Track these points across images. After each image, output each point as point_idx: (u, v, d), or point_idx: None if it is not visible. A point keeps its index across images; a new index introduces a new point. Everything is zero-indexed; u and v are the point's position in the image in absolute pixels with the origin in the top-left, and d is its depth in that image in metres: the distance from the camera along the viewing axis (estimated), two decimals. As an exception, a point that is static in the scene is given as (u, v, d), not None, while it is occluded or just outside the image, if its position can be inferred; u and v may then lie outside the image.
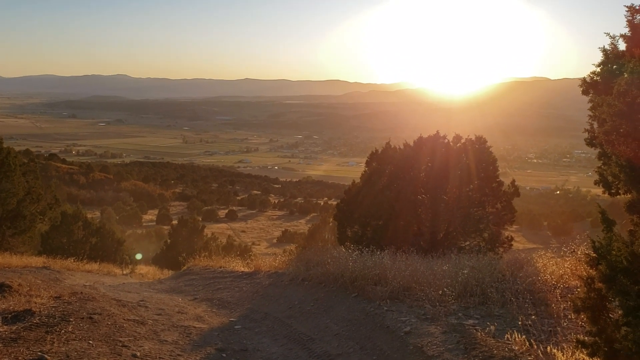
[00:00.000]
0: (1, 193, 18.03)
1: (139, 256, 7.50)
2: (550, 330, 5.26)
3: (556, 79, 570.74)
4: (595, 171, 4.73)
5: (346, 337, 6.28)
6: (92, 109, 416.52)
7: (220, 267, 13.25)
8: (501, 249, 16.00)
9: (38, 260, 14.39)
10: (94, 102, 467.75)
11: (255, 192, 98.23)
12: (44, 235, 22.62)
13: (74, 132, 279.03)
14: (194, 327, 7.14)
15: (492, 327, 5.23)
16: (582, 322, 4.71)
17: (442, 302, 6.50)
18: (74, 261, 15.96)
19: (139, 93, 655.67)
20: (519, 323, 5.29)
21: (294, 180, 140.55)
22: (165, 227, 49.47)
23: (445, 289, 6.73)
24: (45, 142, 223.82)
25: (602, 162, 4.68)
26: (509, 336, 4.88)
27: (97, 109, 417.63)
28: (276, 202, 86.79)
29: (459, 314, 6.10)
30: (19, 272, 11.27)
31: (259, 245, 54.20)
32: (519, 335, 4.77)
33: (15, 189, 18.41)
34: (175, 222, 36.57)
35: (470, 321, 5.76)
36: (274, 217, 75.78)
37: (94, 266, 16.75)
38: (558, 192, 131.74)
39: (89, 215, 29.42)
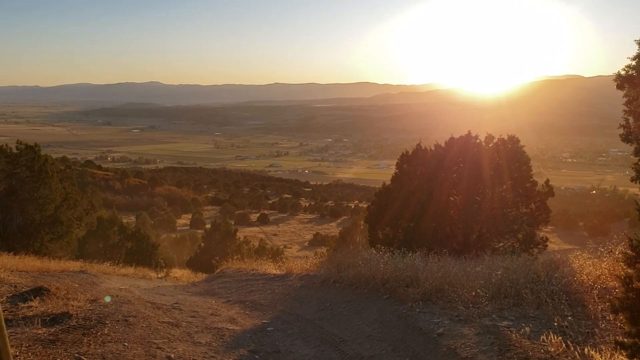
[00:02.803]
0: (39, 199, 18.50)
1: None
2: (588, 332, 5.14)
3: (590, 76, 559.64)
4: (632, 168, 4.60)
5: (378, 339, 6.24)
6: (126, 116, 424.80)
7: (253, 270, 13.35)
8: (536, 250, 15.73)
9: (75, 265, 14.71)
10: (128, 109, 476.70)
11: (286, 195, 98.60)
12: (81, 240, 23.14)
13: (108, 139, 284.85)
14: (227, 329, 7.20)
15: (527, 329, 5.13)
16: (621, 323, 4.58)
17: (475, 304, 6.41)
18: (110, 265, 16.30)
19: (171, 99, 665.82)
20: (555, 324, 5.17)
21: (325, 183, 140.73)
22: (199, 231, 50.05)
23: (478, 290, 6.63)
24: (81, 149, 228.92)
25: (638, 158, 4.55)
26: (544, 338, 4.77)
27: (131, 116, 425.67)
28: (307, 205, 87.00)
29: (493, 316, 6.00)
30: (57, 276, 11.54)
31: (290, 248, 54.41)
32: (555, 337, 4.66)
33: (52, 195, 18.87)
34: (208, 226, 37.00)
35: (505, 322, 5.66)
36: (305, 220, 75.96)
37: (130, 270, 17.05)
38: (594, 191, 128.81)
39: (124, 220, 30.02)
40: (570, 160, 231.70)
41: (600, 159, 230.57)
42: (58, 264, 14.33)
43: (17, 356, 4.92)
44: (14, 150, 18.97)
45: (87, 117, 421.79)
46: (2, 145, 19.38)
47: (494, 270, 7.37)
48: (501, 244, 16.05)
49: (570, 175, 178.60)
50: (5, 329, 0.78)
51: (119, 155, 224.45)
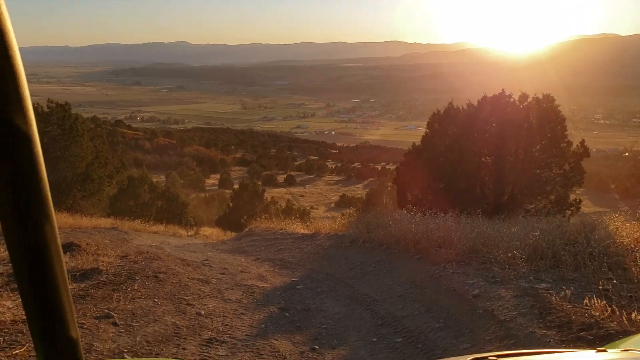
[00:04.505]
0: (71, 157, 18.72)
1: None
2: (631, 296, 4.91)
3: (627, 35, 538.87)
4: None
5: (411, 299, 6.12)
6: (154, 76, 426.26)
7: (281, 229, 13.35)
8: (568, 212, 15.41)
9: (107, 222, 14.92)
10: (156, 69, 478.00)
11: (313, 157, 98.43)
12: (112, 198, 23.48)
13: (138, 99, 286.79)
14: (257, 286, 7.18)
15: (567, 292, 4.92)
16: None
17: (511, 265, 6.22)
18: (141, 223, 16.51)
19: (199, 59, 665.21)
20: (600, 287, 4.96)
21: (351, 145, 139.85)
22: (227, 191, 50.36)
23: (515, 252, 6.43)
24: (111, 109, 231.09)
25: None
26: (587, 301, 4.57)
27: (159, 76, 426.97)
28: (333, 167, 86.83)
29: (530, 277, 5.81)
30: (89, 232, 11.69)
31: (317, 209, 54.50)
32: (598, 301, 4.46)
33: (83, 153, 19.08)
34: (236, 186, 37.21)
35: (543, 285, 5.46)
36: (332, 182, 75.91)
37: (160, 228, 17.27)
38: (627, 153, 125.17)
39: (154, 179, 30.36)
40: (602, 121, 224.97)
41: (634, 120, 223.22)
42: (90, 220, 14.55)
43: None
44: (45, 109, 19.14)
45: (117, 77, 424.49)
46: (34, 104, 19.53)
47: (530, 232, 7.14)
48: (533, 206, 15.75)
49: (602, 137, 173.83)
50: (67, 281, 0.76)
51: (148, 115, 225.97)
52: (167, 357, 4.24)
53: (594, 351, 1.29)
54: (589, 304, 4.50)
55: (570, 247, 6.59)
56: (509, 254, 6.43)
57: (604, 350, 1.30)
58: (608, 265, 5.88)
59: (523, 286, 5.42)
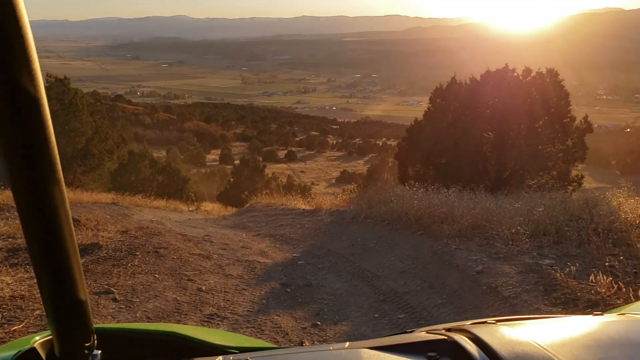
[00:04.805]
0: (70, 132, 18.62)
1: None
2: (636, 272, 4.86)
3: (632, 9, 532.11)
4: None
5: (413, 275, 6.09)
6: (154, 50, 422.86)
7: (282, 205, 13.30)
8: (570, 188, 15.38)
9: (107, 197, 14.84)
10: (156, 43, 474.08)
11: (314, 133, 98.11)
12: (113, 173, 23.41)
13: (137, 74, 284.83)
14: (258, 262, 7.15)
15: (572, 268, 4.87)
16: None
17: (514, 241, 6.17)
18: (142, 198, 16.44)
19: (198, 33, 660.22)
20: (606, 264, 4.91)
21: (352, 120, 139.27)
22: (228, 166, 50.31)
23: (519, 227, 6.37)
24: (111, 83, 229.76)
25: None
26: (592, 278, 4.51)
27: (159, 50, 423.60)
28: (334, 143, 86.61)
29: (534, 254, 5.76)
30: (89, 207, 11.63)
31: (318, 185, 54.47)
32: (604, 277, 4.41)
33: (83, 128, 18.97)
34: (237, 161, 37.16)
35: (547, 261, 5.41)
36: (333, 157, 75.83)
37: (161, 203, 17.21)
38: (628, 129, 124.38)
39: (155, 155, 30.26)
40: (605, 97, 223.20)
41: (637, 96, 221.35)
42: (90, 195, 14.47)
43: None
44: (44, 84, 18.98)
45: (116, 51, 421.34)
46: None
47: (533, 207, 7.08)
48: (534, 181, 15.69)
49: (604, 113, 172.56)
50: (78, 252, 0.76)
51: (148, 90, 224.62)
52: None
53: (591, 315, 1.29)
54: (594, 281, 4.45)
55: (574, 223, 6.54)
56: (513, 230, 6.37)
57: (601, 314, 1.30)
58: (612, 242, 5.83)
59: (527, 262, 5.38)
